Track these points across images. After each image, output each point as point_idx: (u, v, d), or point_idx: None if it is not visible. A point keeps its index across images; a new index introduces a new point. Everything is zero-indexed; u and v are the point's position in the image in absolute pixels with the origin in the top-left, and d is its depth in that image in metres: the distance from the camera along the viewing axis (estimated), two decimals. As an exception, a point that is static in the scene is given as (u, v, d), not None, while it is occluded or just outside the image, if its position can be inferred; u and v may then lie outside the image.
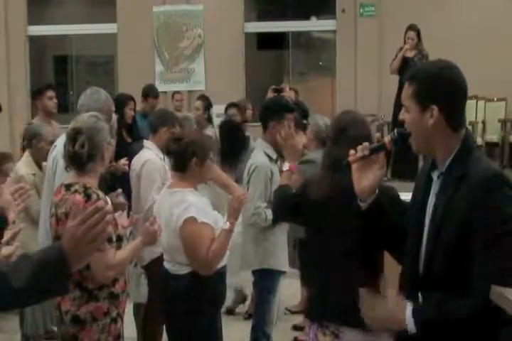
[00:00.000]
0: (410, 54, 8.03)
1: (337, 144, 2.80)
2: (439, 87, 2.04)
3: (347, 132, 2.79)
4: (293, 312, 5.57)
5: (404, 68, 7.91)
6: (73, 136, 2.92)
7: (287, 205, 3.10)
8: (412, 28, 8.15)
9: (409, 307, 2.00)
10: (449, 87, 2.05)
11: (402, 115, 2.14)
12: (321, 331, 2.71)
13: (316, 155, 4.73)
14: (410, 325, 1.99)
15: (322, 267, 2.85)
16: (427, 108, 2.04)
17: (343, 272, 2.70)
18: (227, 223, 3.22)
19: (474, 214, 1.94)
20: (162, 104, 8.42)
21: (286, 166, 3.37)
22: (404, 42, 8.16)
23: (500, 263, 1.91)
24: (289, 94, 7.76)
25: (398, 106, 7.76)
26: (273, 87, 8.23)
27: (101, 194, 2.90)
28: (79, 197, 2.80)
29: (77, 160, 2.92)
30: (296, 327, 5.16)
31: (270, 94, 7.93)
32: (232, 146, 5.77)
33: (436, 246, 2.04)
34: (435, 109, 2.03)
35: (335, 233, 2.71)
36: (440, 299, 1.99)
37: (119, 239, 2.97)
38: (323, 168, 2.86)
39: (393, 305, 2.02)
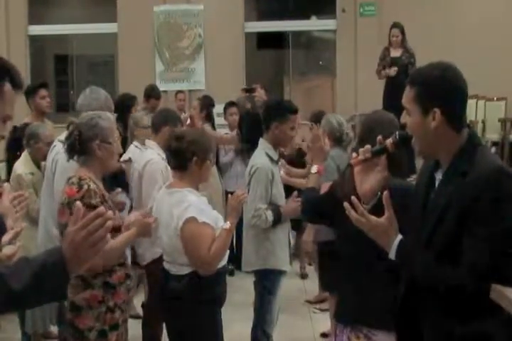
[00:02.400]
0: (397, 53, 7.98)
1: (364, 144, 2.73)
2: (440, 89, 2.05)
3: (374, 132, 2.70)
4: (313, 303, 5.78)
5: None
6: (67, 127, 3.10)
7: (315, 207, 3.02)
8: (395, 25, 8.10)
9: (400, 236, 2.10)
10: (450, 89, 2.06)
11: (404, 118, 2.14)
12: (354, 334, 2.69)
13: (332, 153, 4.73)
14: (393, 251, 2.09)
15: (354, 270, 2.77)
16: (429, 111, 2.05)
17: (375, 274, 2.65)
18: (228, 222, 3.22)
19: (474, 206, 1.95)
20: (162, 103, 8.42)
21: (314, 168, 3.31)
22: (389, 41, 8.11)
23: (487, 246, 1.93)
24: (259, 94, 7.93)
25: (387, 105, 7.81)
26: (244, 87, 8.34)
27: (93, 185, 2.98)
28: (72, 188, 2.95)
29: (70, 150, 3.08)
30: (324, 335, 5.13)
31: (241, 94, 8.09)
32: (253, 136, 5.78)
33: (434, 237, 2.05)
34: (437, 111, 2.03)
35: (362, 236, 2.66)
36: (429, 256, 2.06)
37: (114, 229, 2.99)
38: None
39: (388, 226, 2.10)
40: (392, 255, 2.10)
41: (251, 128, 6.08)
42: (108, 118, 3.16)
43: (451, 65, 2.12)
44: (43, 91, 5.62)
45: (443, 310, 2.05)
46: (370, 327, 2.64)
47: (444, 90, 2.05)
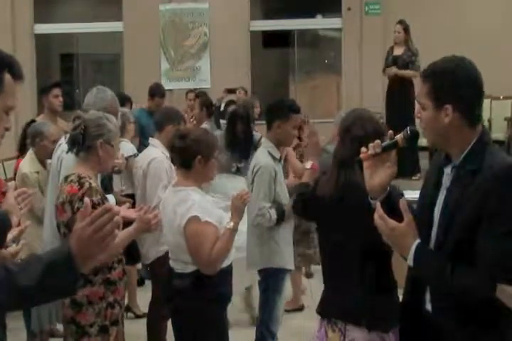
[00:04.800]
0: (399, 52, 7.94)
1: (344, 143, 2.79)
2: (453, 85, 2.04)
3: (352, 131, 2.77)
4: (288, 311, 5.51)
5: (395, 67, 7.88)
6: (73, 121, 3.12)
7: (301, 202, 3.09)
8: (399, 22, 8.07)
9: (418, 240, 2.06)
10: (464, 83, 2.04)
11: (418, 112, 2.13)
12: (330, 327, 2.74)
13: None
14: (410, 256, 2.06)
15: (331, 265, 2.85)
16: (441, 107, 2.04)
17: (351, 271, 2.71)
18: (231, 222, 3.21)
19: (487, 204, 1.93)
20: (168, 102, 8.43)
21: (308, 164, 3.32)
22: (394, 39, 8.08)
23: (504, 244, 1.92)
24: (241, 95, 8.72)
25: (389, 104, 7.81)
26: (226, 88, 9.04)
27: (94, 183, 3.02)
28: (73, 186, 2.96)
29: (73, 143, 3.10)
30: None
31: (223, 95, 8.64)
32: (241, 136, 5.70)
33: (447, 237, 2.04)
34: (449, 108, 2.02)
35: (343, 232, 2.71)
36: (447, 260, 2.02)
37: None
38: (332, 167, 2.85)
39: (407, 230, 2.07)
40: (409, 261, 2.08)
41: (237, 129, 5.93)
42: (115, 124, 3.20)
43: (465, 59, 2.10)
44: (56, 90, 5.78)
45: (460, 315, 2.04)
46: (344, 322, 2.69)
47: (457, 85, 2.04)
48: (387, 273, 2.74)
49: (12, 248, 2.42)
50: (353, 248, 2.69)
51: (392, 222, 2.07)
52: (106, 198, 3.09)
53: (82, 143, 3.07)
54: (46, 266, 1.56)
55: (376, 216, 2.10)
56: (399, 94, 7.85)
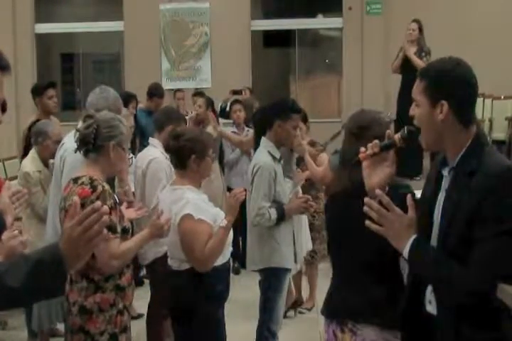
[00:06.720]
0: (412, 51, 7.96)
1: (361, 141, 2.65)
2: (450, 83, 2.06)
3: (371, 130, 2.71)
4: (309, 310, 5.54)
5: (407, 66, 7.87)
6: (84, 120, 3.00)
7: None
8: (414, 20, 8.11)
9: (414, 236, 2.07)
10: (460, 83, 2.06)
11: (413, 110, 2.15)
12: (339, 328, 2.70)
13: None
14: (405, 251, 2.07)
15: (340, 265, 2.81)
16: (437, 103, 2.06)
17: (361, 270, 2.66)
18: (224, 220, 3.23)
19: (485, 207, 1.93)
20: (168, 101, 8.43)
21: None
22: (407, 38, 8.09)
23: (499, 253, 1.92)
24: (245, 95, 8.72)
25: (401, 104, 7.74)
26: (231, 89, 9.05)
27: (106, 186, 2.91)
28: (85, 189, 2.83)
29: (83, 143, 2.96)
30: None
31: (229, 95, 8.66)
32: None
33: (447, 239, 2.04)
34: (445, 104, 2.04)
35: (352, 230, 2.67)
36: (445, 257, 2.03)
37: (125, 231, 2.99)
38: (342, 164, 2.79)
39: (410, 222, 2.09)
40: (405, 253, 2.08)
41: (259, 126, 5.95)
42: (127, 126, 3.12)
43: (463, 61, 2.13)
44: (51, 91, 5.57)
45: (457, 314, 2.03)
46: (355, 322, 2.65)
47: (453, 84, 2.06)
48: (397, 271, 2.71)
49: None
50: (360, 247, 2.62)
51: (399, 210, 2.09)
52: (117, 202, 3.00)
53: (93, 143, 2.93)
54: (34, 266, 1.55)
55: (375, 205, 2.09)
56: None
